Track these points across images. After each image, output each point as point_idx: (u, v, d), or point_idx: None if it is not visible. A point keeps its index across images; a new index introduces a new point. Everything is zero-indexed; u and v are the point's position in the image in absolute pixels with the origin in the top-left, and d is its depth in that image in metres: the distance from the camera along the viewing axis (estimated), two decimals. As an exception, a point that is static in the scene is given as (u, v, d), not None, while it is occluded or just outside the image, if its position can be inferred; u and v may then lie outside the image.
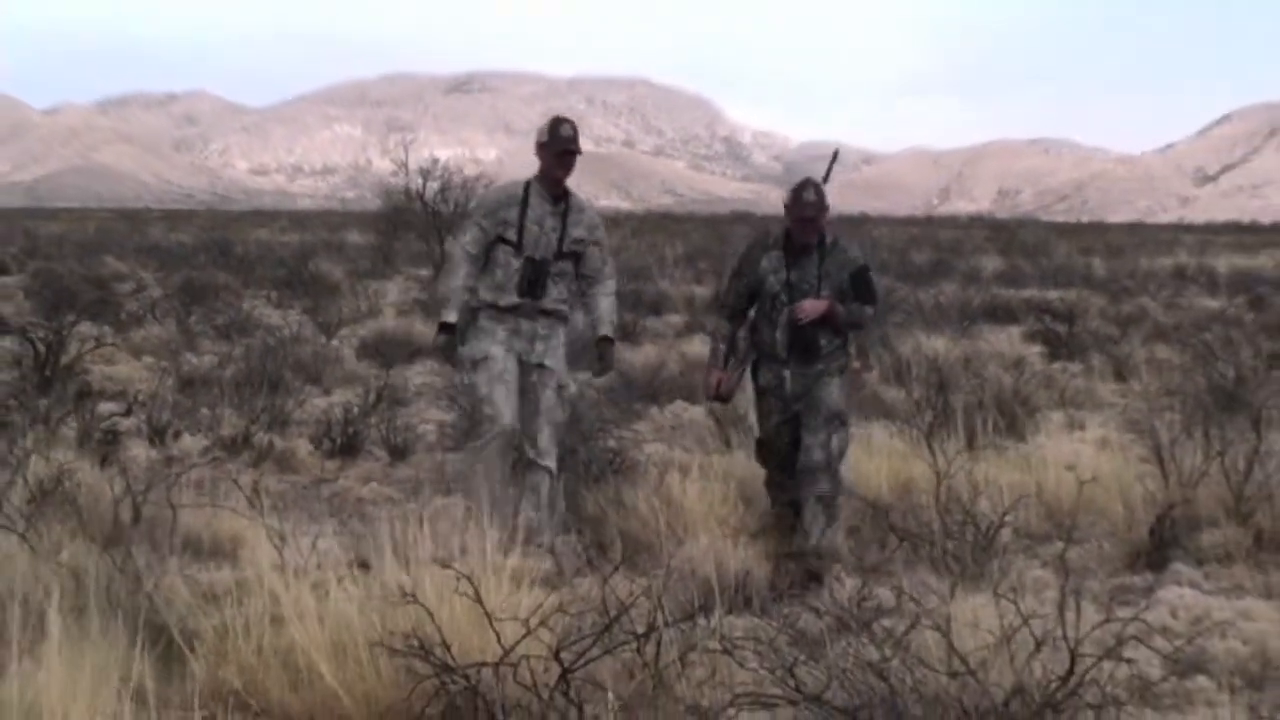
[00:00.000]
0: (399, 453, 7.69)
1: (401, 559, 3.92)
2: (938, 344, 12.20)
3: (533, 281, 5.61)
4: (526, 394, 5.66)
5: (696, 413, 8.76)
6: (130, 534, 4.55)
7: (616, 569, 4.13)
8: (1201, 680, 3.99)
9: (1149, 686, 3.73)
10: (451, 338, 5.73)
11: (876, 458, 6.52)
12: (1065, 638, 3.25)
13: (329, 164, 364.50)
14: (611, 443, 6.67)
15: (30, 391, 7.82)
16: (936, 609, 3.67)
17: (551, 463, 5.72)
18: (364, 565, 4.33)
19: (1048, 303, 17.89)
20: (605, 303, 5.83)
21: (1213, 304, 19.59)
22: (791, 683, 3.39)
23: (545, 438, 5.70)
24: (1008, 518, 5.20)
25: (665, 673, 3.41)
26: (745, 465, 5.92)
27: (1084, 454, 6.99)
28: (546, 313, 5.70)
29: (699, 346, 12.03)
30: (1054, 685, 3.22)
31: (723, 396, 5.79)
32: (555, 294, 5.70)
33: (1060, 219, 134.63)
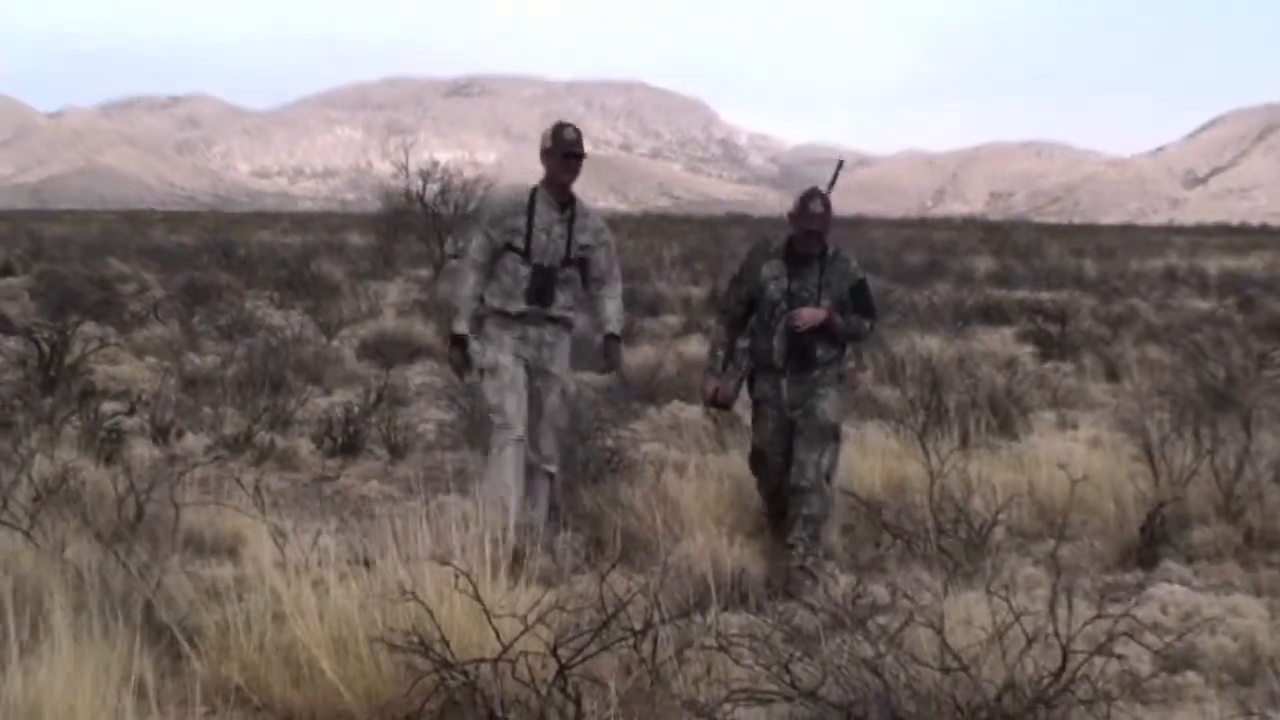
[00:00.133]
0: (399, 451, 7.72)
1: (401, 556, 3.93)
2: (932, 344, 12.24)
3: (541, 289, 5.60)
4: (531, 399, 5.66)
5: (693, 412, 8.79)
6: (133, 532, 4.57)
7: (614, 566, 4.16)
8: (1191, 676, 4.04)
9: (1139, 682, 3.76)
10: (464, 349, 5.73)
11: (871, 457, 6.54)
12: (1057, 634, 3.28)
13: (330, 166, 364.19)
14: (609, 442, 6.71)
15: (35, 391, 7.85)
16: (930, 606, 3.71)
17: (553, 467, 5.75)
18: (364, 562, 4.36)
19: (1040, 303, 17.96)
20: (611, 305, 5.82)
21: (1203, 305, 19.66)
22: (787, 679, 3.42)
23: (548, 442, 5.72)
24: (1000, 516, 5.24)
25: (662, 669, 3.43)
26: (741, 465, 5.93)
27: (1076, 453, 7.03)
28: (554, 319, 5.69)
29: (696, 347, 12.06)
30: (1046, 681, 3.26)
31: (720, 404, 5.74)
32: (563, 301, 5.69)
33: (1052, 221, 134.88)
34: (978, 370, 10.35)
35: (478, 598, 3.47)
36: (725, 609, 4.49)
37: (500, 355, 5.61)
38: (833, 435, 5.51)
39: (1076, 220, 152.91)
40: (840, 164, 6.06)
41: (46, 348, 8.55)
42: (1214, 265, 29.95)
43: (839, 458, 5.69)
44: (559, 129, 5.70)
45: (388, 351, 12.31)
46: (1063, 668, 3.25)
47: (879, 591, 4.63)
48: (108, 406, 7.80)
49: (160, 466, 6.39)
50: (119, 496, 4.78)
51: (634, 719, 3.35)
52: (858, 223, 60.99)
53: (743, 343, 5.69)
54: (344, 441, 7.76)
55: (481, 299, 5.70)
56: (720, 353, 5.66)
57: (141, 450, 7.28)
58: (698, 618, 3.97)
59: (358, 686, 3.59)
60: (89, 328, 11.76)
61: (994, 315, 17.03)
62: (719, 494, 5.77)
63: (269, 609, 3.78)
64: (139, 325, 13.76)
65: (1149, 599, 4.83)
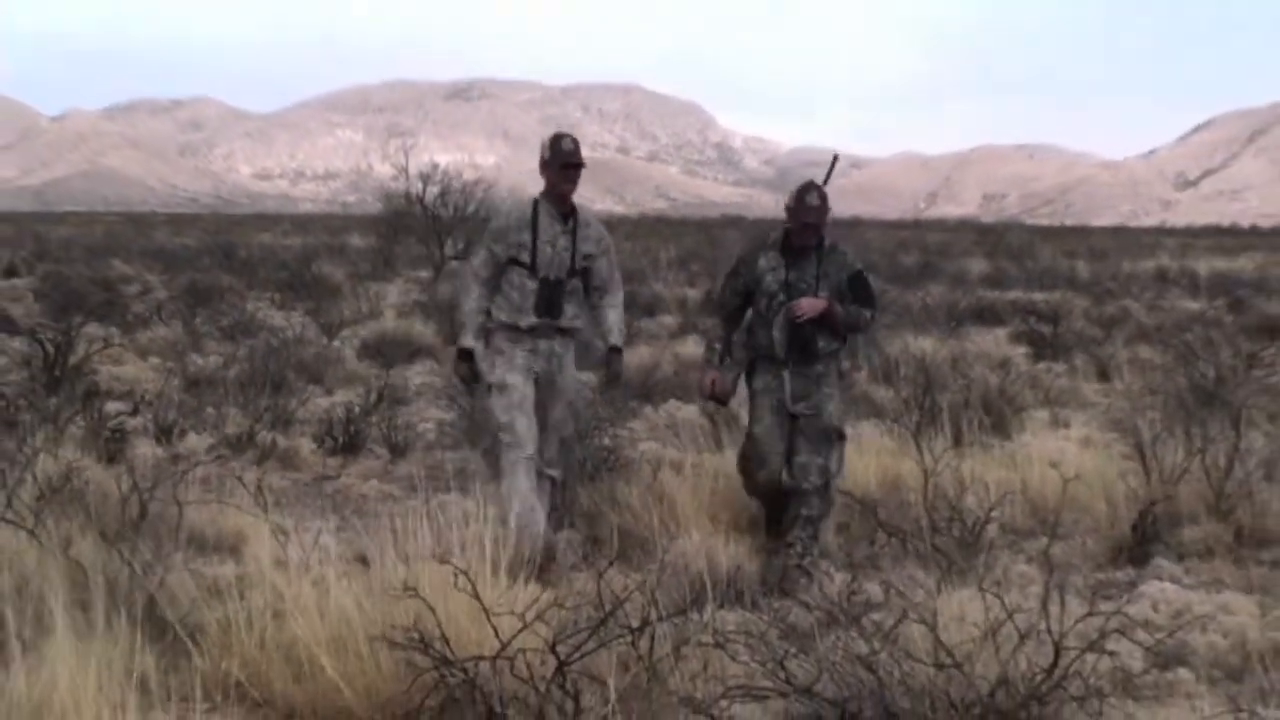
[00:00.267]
0: (399, 451, 7.77)
1: (401, 554, 3.96)
2: (926, 344, 12.27)
3: (550, 302, 5.57)
4: (537, 408, 5.63)
5: (690, 412, 8.84)
6: (136, 530, 4.60)
7: (611, 564, 4.19)
8: (1182, 672, 4.07)
9: (1131, 678, 3.81)
10: (471, 364, 5.71)
11: (866, 455, 6.58)
12: (1049, 631, 3.32)
13: (331, 169, 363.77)
14: (607, 441, 6.74)
15: (39, 391, 7.88)
16: (924, 603, 3.74)
17: (556, 472, 5.75)
18: (364, 561, 4.39)
19: (1033, 304, 18.03)
20: (613, 314, 5.79)
21: (1193, 305, 19.71)
22: (782, 675, 3.46)
23: (551, 449, 5.70)
24: (993, 514, 5.28)
25: (659, 666, 3.46)
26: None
27: (1068, 452, 7.07)
28: (563, 331, 5.66)
29: (692, 347, 12.08)
30: (1038, 677, 3.30)
31: (718, 397, 5.73)
32: (570, 312, 5.65)
33: (1045, 223, 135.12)
34: (971, 370, 10.39)
35: (477, 596, 3.49)
36: (721, 606, 4.51)
37: (509, 374, 5.56)
38: (837, 436, 5.53)
39: (1069, 222, 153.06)
40: (835, 158, 6.11)
41: (51, 348, 8.58)
42: (1205, 266, 30.02)
43: (844, 458, 5.71)
44: (557, 140, 5.66)
45: (388, 352, 12.38)
46: (1055, 664, 3.28)
47: (873, 589, 4.66)
48: (111, 406, 7.86)
49: (163, 466, 6.43)
50: (122, 495, 4.81)
51: (632, 715, 3.37)
52: (853, 224, 61.10)
53: (739, 336, 5.68)
54: (345, 441, 7.80)
55: (488, 313, 5.66)
56: (717, 346, 5.65)
57: (145, 450, 7.31)
58: (694, 615, 3.99)
59: (358, 683, 3.61)
60: (93, 328, 11.85)
61: (987, 316, 17.10)
62: (715, 492, 5.80)
63: (270, 606, 3.81)
64: (142, 326, 13.88)
65: (1140, 596, 4.87)
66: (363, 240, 32.20)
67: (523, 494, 5.41)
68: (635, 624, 3.47)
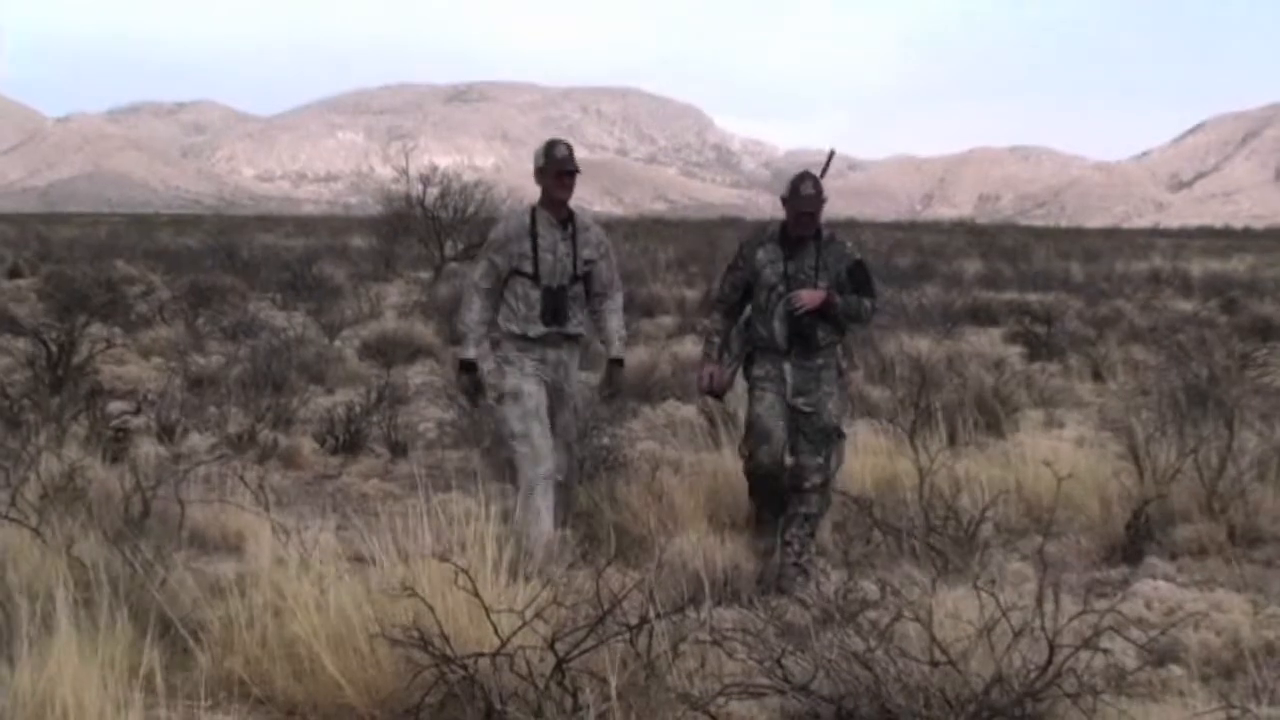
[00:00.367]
0: (399, 450, 7.81)
1: (401, 553, 3.98)
2: (921, 345, 12.31)
3: (556, 310, 5.54)
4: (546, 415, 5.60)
5: (688, 412, 8.86)
6: (139, 529, 4.61)
7: (610, 563, 4.20)
8: (1175, 670, 4.10)
9: (1124, 676, 3.83)
10: (474, 375, 5.71)
11: (861, 455, 6.61)
12: (1044, 629, 3.35)
13: (332, 171, 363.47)
14: (605, 440, 6.77)
15: (43, 391, 7.88)
16: (919, 601, 3.76)
17: (563, 475, 5.71)
18: (365, 559, 4.41)
19: (1027, 305, 18.09)
20: (614, 320, 5.77)
21: (1187, 306, 19.76)
22: (779, 673, 3.49)
23: (561, 456, 5.66)
24: (988, 513, 5.31)
25: (657, 663, 3.48)
26: (734, 463, 5.98)
27: (1062, 451, 7.08)
28: (569, 337, 5.64)
29: (690, 347, 12.12)
30: (1033, 674, 3.33)
31: (716, 391, 5.71)
32: (576, 318, 5.63)
33: (1039, 224, 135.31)
34: (966, 370, 10.42)
35: (476, 594, 3.51)
36: (719, 604, 4.53)
37: (524, 381, 5.53)
38: (836, 435, 5.54)
39: (1063, 223, 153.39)
40: (831, 152, 6.14)
41: (54, 348, 8.59)
42: (1197, 267, 30.14)
43: (842, 456, 5.72)
44: (550, 147, 5.62)
45: (388, 352, 12.44)
46: (1049, 662, 3.31)
47: (869, 587, 4.66)
48: (114, 406, 7.92)
49: (165, 465, 6.46)
50: (125, 494, 4.83)
51: (630, 712, 3.38)
52: (849, 226, 61.00)
53: (737, 330, 5.64)
54: (345, 440, 7.85)
55: (491, 324, 5.64)
56: (716, 340, 5.63)
57: (147, 449, 7.34)
58: (692, 613, 3.99)
59: (358, 680, 3.64)
60: (96, 328, 11.86)
61: (982, 316, 17.17)
62: (712, 491, 5.83)
63: (271, 604, 3.83)
64: (145, 326, 13.95)
65: (1134, 594, 4.90)
66: (364, 241, 32.24)
67: (541, 517, 5.35)
68: (633, 622, 3.49)
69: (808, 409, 5.45)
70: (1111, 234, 71.55)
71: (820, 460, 5.42)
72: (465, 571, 3.57)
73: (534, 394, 5.52)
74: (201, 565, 4.73)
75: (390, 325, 14.24)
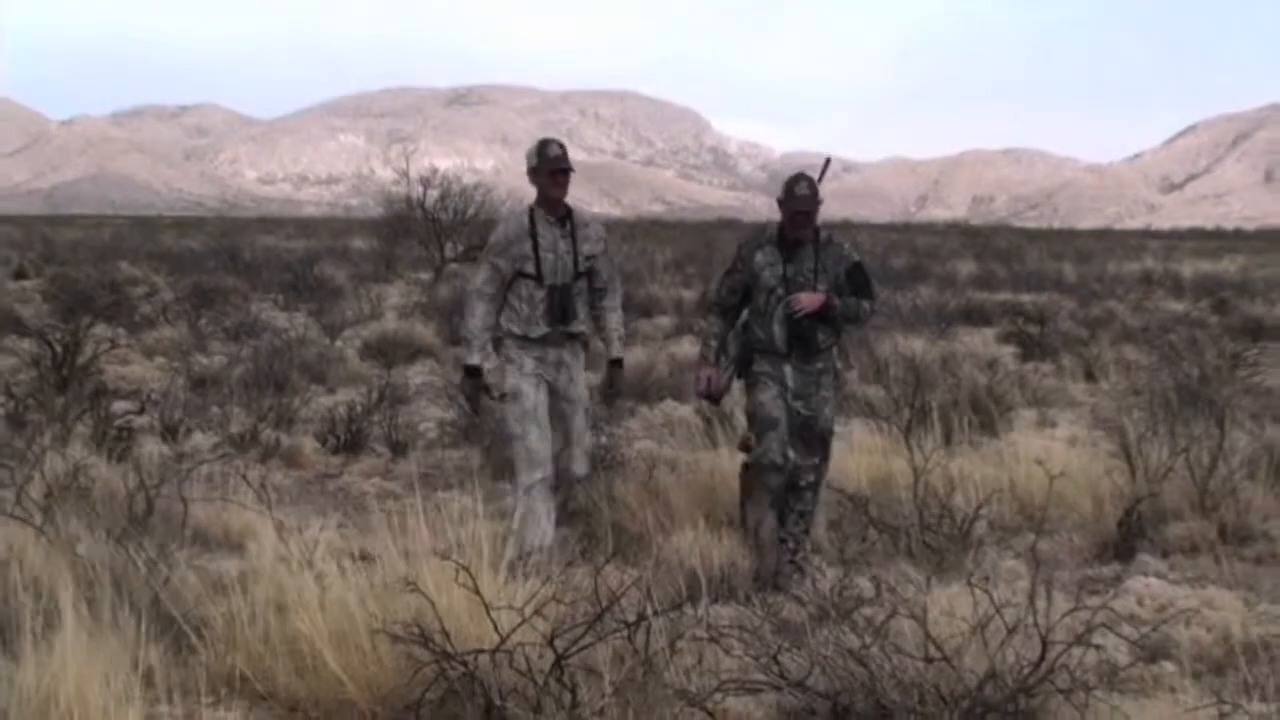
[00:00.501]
0: (400, 449, 7.84)
1: (402, 550, 4.00)
2: (915, 345, 12.35)
3: (560, 308, 5.52)
4: (558, 422, 5.59)
5: (685, 411, 8.90)
6: (143, 527, 4.64)
7: (608, 561, 4.24)
8: (1167, 666, 4.13)
9: (1117, 672, 3.85)
10: (477, 381, 5.69)
11: (857, 454, 6.65)
12: (1037, 625, 3.37)
13: (334, 173, 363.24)
14: (603, 439, 6.80)
15: (48, 390, 7.93)
16: (914, 598, 3.80)
17: (584, 476, 5.74)
18: (366, 557, 4.45)
19: (1020, 306, 18.16)
20: (614, 318, 5.76)
21: (1178, 307, 19.84)
22: (775, 669, 3.52)
23: (581, 464, 5.67)
24: (982, 511, 5.34)
25: (655, 659, 3.50)
26: (730, 462, 6.01)
27: (1055, 450, 7.12)
28: (572, 337, 5.62)
29: (688, 348, 12.14)
30: (1026, 671, 3.35)
31: (712, 395, 5.70)
32: (580, 316, 5.61)
33: (1032, 225, 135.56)
34: (960, 370, 10.46)
35: (476, 591, 3.53)
36: (715, 601, 4.58)
37: (522, 381, 5.52)
38: (831, 438, 5.58)
39: (1056, 225, 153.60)
40: (828, 160, 6.12)
41: (59, 349, 8.63)
42: (1189, 268, 30.21)
43: (830, 452, 5.75)
44: (543, 146, 5.60)
45: (389, 352, 12.49)
46: (1042, 658, 3.33)
47: (864, 584, 4.71)
48: (118, 406, 7.92)
49: (169, 464, 6.49)
50: (129, 493, 4.86)
51: (628, 708, 3.40)
52: (844, 227, 61.04)
53: (734, 333, 5.65)
54: (347, 439, 7.88)
55: (495, 327, 5.62)
56: (713, 343, 5.61)
57: (151, 448, 7.35)
58: (689, 610, 4.03)
59: (359, 676, 3.66)
60: (100, 329, 11.88)
61: (976, 317, 17.23)
62: (709, 490, 5.86)
63: (273, 601, 3.85)
64: (148, 327, 14.03)
65: (1126, 591, 4.93)
66: (364, 243, 32.35)
67: (539, 521, 5.35)
68: (631, 619, 3.51)
69: (806, 413, 5.46)
70: (1104, 235, 71.62)
71: (815, 461, 5.44)
72: (465, 568, 3.59)
73: (531, 394, 5.51)
74: (204, 563, 4.76)
75: (391, 326, 14.29)
